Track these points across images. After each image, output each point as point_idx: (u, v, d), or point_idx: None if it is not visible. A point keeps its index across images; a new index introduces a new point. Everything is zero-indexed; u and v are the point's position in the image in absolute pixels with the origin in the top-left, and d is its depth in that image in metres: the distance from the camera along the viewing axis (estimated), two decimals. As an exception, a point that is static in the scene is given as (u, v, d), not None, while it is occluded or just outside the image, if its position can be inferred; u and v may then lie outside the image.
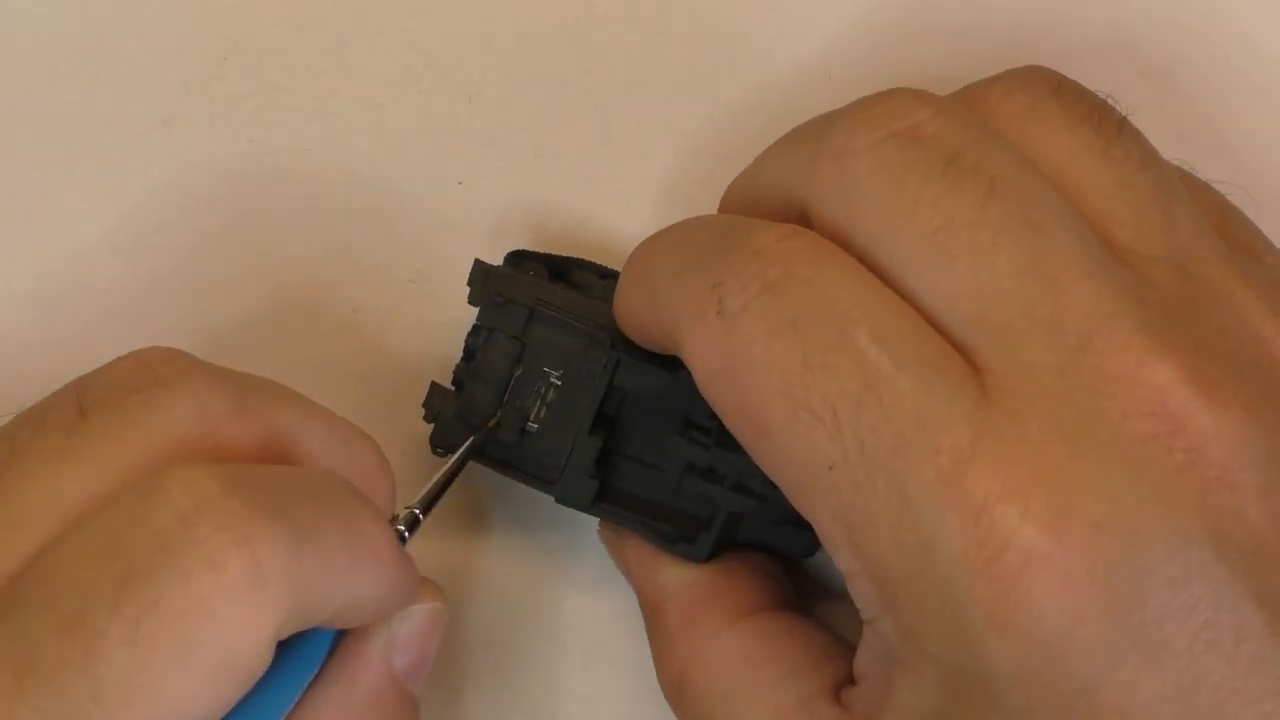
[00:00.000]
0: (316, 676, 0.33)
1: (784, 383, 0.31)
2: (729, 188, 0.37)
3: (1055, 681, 0.29)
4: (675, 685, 0.36)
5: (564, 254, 0.39)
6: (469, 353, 0.38)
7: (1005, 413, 0.30)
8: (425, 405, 0.38)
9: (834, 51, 0.42)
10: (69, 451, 0.31)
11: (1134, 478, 0.30)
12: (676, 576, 0.37)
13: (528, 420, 0.37)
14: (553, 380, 0.37)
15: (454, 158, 0.42)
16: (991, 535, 0.29)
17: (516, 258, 0.39)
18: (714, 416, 0.35)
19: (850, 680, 0.34)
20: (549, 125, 0.42)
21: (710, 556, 0.37)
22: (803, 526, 0.35)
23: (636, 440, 0.37)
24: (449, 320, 0.41)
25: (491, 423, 0.37)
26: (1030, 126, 0.33)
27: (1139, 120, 0.34)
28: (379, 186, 0.42)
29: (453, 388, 0.38)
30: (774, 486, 0.33)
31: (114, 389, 0.32)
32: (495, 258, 0.40)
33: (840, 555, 0.31)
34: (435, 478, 0.36)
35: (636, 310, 0.35)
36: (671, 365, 0.36)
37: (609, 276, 0.39)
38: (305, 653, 0.32)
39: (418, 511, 0.35)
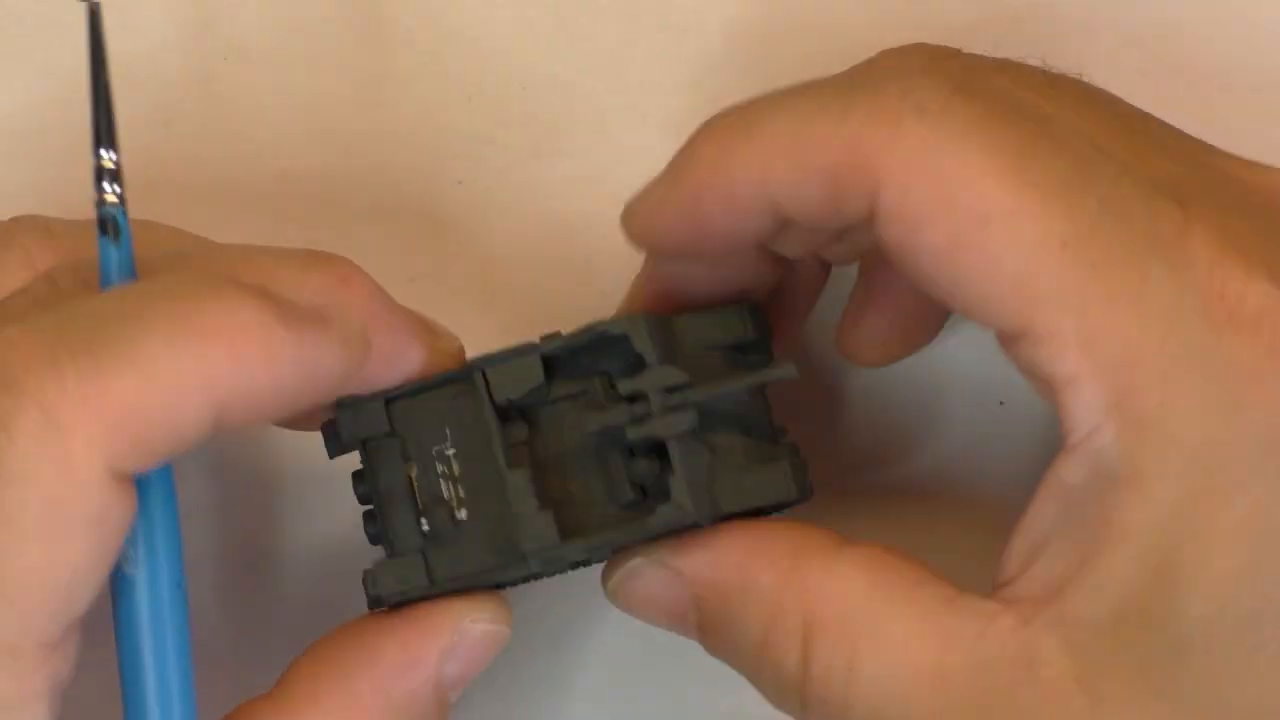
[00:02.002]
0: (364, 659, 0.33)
1: (1009, 160, 0.30)
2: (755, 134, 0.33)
3: None
4: (801, 636, 0.32)
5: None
6: (363, 497, 0.35)
7: (1199, 208, 0.30)
8: (371, 598, 0.34)
9: (835, 52, 0.42)
10: None
11: None
12: (749, 540, 0.33)
13: (453, 510, 0.34)
14: (447, 452, 0.34)
15: (454, 158, 0.42)
16: (1228, 288, 0.29)
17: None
18: (617, 348, 0.33)
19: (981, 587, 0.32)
20: (549, 125, 0.42)
21: (700, 506, 0.33)
22: (777, 458, 0.34)
23: (565, 458, 0.34)
24: (449, 321, 0.41)
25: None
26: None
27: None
28: (379, 186, 0.42)
29: (376, 544, 0.35)
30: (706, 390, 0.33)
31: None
32: (495, 258, 0.40)
33: (1064, 356, 0.30)
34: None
35: (751, 178, 0.32)
36: (529, 349, 0.34)
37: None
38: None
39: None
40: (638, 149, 0.41)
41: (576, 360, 0.34)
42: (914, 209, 0.30)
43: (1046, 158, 0.30)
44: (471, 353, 0.36)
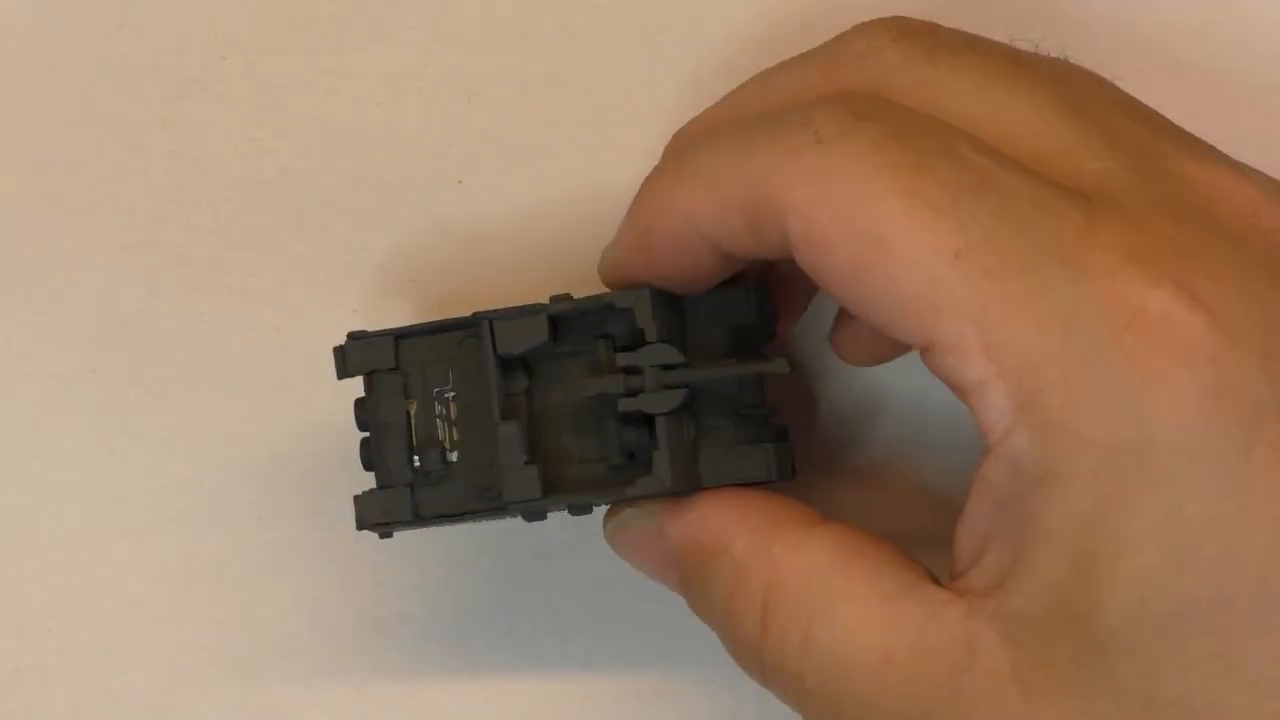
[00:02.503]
0: None
1: (900, 180, 0.31)
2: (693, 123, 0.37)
3: (1213, 441, 0.30)
4: (761, 604, 0.34)
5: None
6: (362, 423, 0.36)
7: (1107, 202, 0.31)
8: (358, 521, 0.36)
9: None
10: None
11: (1236, 244, 0.31)
12: (731, 507, 0.35)
13: (445, 450, 0.36)
14: (447, 395, 0.36)
15: (454, 158, 0.42)
16: (1130, 293, 0.30)
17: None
18: (623, 316, 0.35)
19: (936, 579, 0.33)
20: (549, 125, 0.42)
21: (679, 480, 0.35)
22: (762, 440, 0.36)
23: (560, 413, 0.36)
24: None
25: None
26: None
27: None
28: (379, 186, 0.42)
29: (369, 472, 0.36)
30: (701, 368, 0.34)
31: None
32: (495, 258, 0.40)
33: (969, 362, 0.31)
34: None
35: (683, 209, 0.34)
36: (538, 309, 0.35)
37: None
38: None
39: None
40: (638, 149, 0.41)
41: (584, 321, 0.36)
42: (817, 235, 0.32)
43: (942, 174, 0.31)
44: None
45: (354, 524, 0.35)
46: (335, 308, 0.42)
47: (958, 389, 0.31)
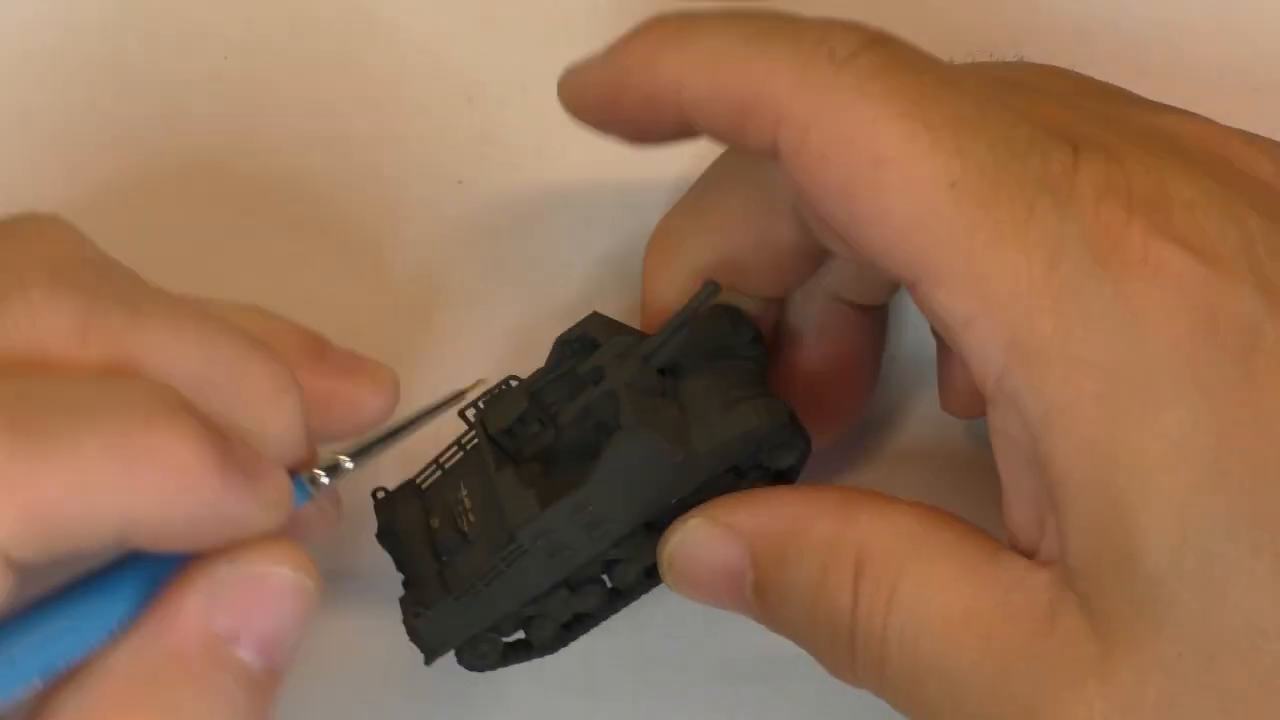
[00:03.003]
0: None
1: (903, 103, 0.31)
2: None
3: (1212, 355, 0.30)
4: (852, 570, 0.33)
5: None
6: (398, 563, 0.37)
7: (1091, 144, 0.31)
8: (409, 632, 0.37)
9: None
10: None
11: (1208, 172, 0.31)
12: (800, 494, 0.35)
13: (462, 530, 0.36)
14: (461, 497, 0.37)
15: (454, 158, 0.42)
16: (1112, 222, 0.30)
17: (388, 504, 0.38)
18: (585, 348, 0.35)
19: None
20: (549, 125, 0.42)
21: (660, 431, 0.35)
22: (745, 399, 0.36)
23: (556, 452, 0.36)
24: (448, 321, 0.41)
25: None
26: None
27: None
28: (379, 186, 0.42)
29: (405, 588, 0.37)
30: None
31: None
32: (495, 257, 0.40)
33: (958, 295, 0.31)
34: (380, 430, 0.34)
35: (678, 85, 0.34)
36: (517, 388, 0.36)
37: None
38: (119, 585, 0.30)
39: (342, 457, 0.33)
40: (637, 149, 0.41)
41: (560, 379, 0.36)
42: (812, 148, 0.32)
43: (945, 103, 0.31)
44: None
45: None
46: (335, 308, 0.42)
47: (948, 330, 0.31)
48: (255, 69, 0.42)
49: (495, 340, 0.41)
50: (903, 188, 0.31)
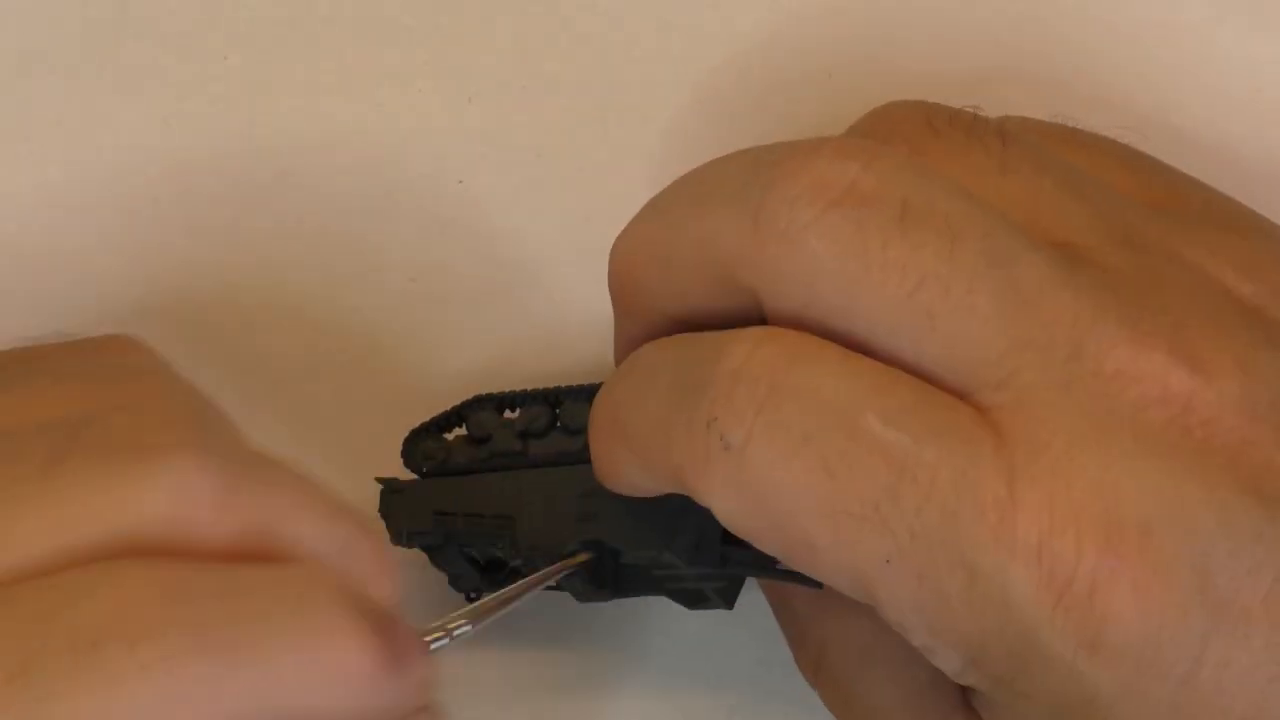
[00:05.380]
0: None
1: (817, 498, 0.31)
2: (622, 241, 0.35)
3: (1154, 684, 0.30)
4: (813, 666, 0.36)
5: (456, 404, 0.38)
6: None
7: (1028, 447, 0.30)
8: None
9: (833, 50, 0.42)
10: (27, 500, 0.28)
11: (1166, 468, 0.30)
12: None
13: (513, 566, 0.37)
14: (496, 551, 0.37)
15: (454, 158, 0.42)
16: (1056, 570, 0.30)
17: (410, 443, 0.38)
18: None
19: None
20: (549, 125, 0.42)
21: (733, 603, 0.37)
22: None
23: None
24: (449, 320, 0.41)
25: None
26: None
27: (1136, 131, 0.34)
28: (379, 186, 0.42)
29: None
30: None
31: (99, 439, 0.29)
32: (495, 258, 0.40)
33: (916, 636, 0.31)
34: (495, 595, 0.34)
35: (626, 469, 0.34)
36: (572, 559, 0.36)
37: (506, 404, 0.38)
38: None
39: (461, 623, 0.33)
40: (638, 149, 0.41)
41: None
42: (745, 530, 0.32)
43: (857, 480, 0.31)
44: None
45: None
46: (334, 309, 0.42)
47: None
48: (255, 69, 0.42)
49: (495, 341, 0.41)
50: (840, 570, 0.31)
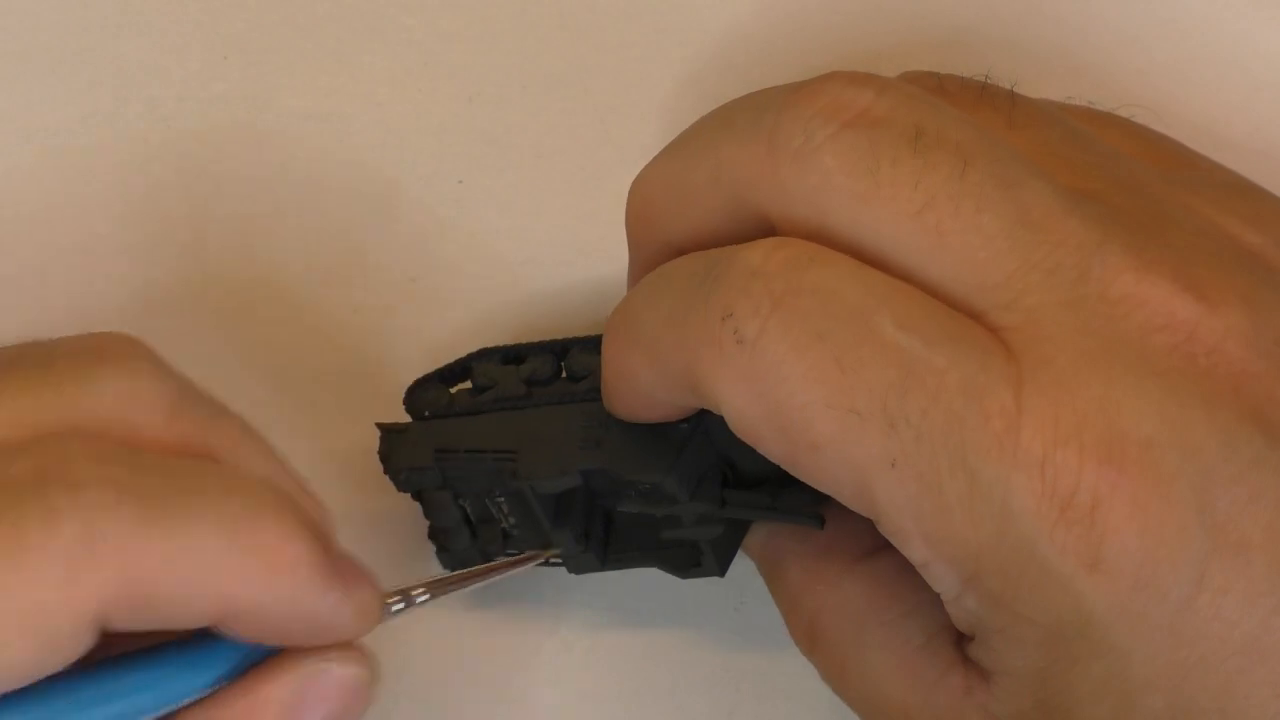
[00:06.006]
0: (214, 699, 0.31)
1: (826, 392, 0.31)
2: (639, 180, 0.36)
3: (1152, 606, 0.30)
4: (807, 635, 0.36)
5: (463, 355, 0.38)
6: (425, 513, 0.38)
7: (1035, 361, 0.31)
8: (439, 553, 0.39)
9: (833, 50, 0.42)
10: None
11: (1169, 388, 0.30)
12: (790, 534, 0.36)
13: (503, 527, 0.37)
14: (498, 499, 0.37)
15: (454, 157, 0.42)
16: (1058, 483, 0.30)
17: (414, 391, 0.38)
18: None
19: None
20: (549, 125, 0.42)
21: (725, 568, 0.37)
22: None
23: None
24: (448, 320, 0.41)
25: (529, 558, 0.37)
26: None
27: (1151, 110, 0.34)
28: (379, 186, 0.42)
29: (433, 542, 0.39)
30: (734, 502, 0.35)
31: (58, 351, 0.31)
32: (495, 258, 0.40)
33: (913, 547, 0.31)
34: (458, 573, 0.35)
35: (637, 374, 0.34)
36: (570, 471, 0.36)
37: (512, 357, 0.38)
38: (201, 659, 0.30)
39: (418, 591, 0.33)
40: (638, 149, 0.41)
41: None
42: (749, 430, 0.32)
43: (867, 374, 0.31)
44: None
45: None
46: (335, 308, 0.42)
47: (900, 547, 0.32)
48: (255, 69, 0.42)
49: (495, 340, 0.41)
50: (843, 469, 0.31)
